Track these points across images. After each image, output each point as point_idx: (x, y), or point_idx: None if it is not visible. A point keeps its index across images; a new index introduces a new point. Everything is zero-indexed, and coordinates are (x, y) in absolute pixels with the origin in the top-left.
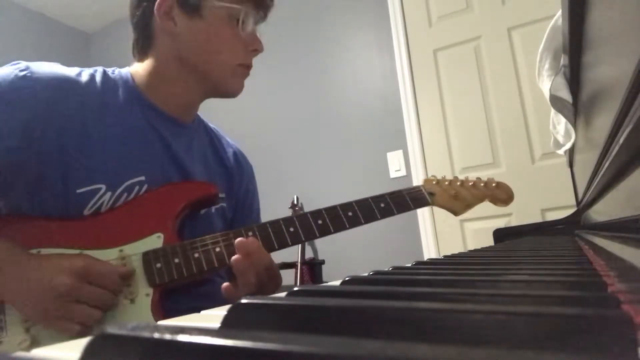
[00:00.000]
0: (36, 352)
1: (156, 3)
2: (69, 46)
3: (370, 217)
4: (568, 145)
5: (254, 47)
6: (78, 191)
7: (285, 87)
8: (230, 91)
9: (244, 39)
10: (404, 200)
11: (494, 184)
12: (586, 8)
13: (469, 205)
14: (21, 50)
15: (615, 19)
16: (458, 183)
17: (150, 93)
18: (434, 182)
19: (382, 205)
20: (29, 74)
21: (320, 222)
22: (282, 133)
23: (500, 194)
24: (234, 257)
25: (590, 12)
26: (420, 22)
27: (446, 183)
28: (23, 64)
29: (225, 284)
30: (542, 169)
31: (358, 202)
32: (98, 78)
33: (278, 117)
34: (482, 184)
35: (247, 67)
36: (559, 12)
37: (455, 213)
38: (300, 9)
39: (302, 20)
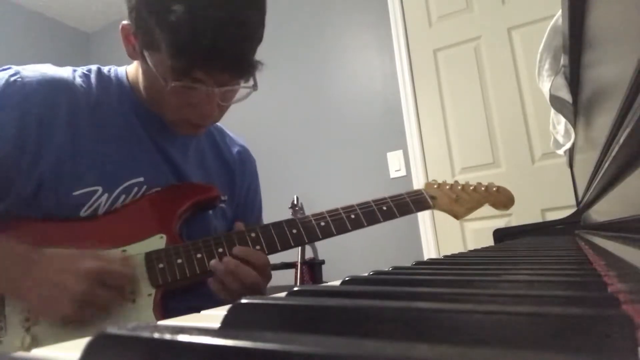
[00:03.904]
0: (36, 352)
1: (122, 22)
2: (69, 46)
3: (372, 220)
4: (568, 145)
5: (196, 115)
6: (74, 193)
7: (285, 87)
8: (179, 134)
9: (193, 101)
10: (406, 203)
11: (494, 188)
12: (586, 8)
13: (470, 209)
14: (21, 50)
15: (615, 19)
16: (459, 187)
17: (142, 95)
18: (435, 186)
19: (385, 208)
20: (19, 79)
21: (322, 224)
22: (282, 133)
23: (501, 198)
24: (211, 262)
25: (590, 12)
26: (420, 22)
27: (447, 187)
28: (13, 69)
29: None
30: (542, 169)
31: (360, 204)
32: (92, 77)
33: (278, 117)
34: (482, 188)
35: (195, 124)
36: (559, 12)
37: (457, 217)
38: (300, 9)
39: (302, 20)
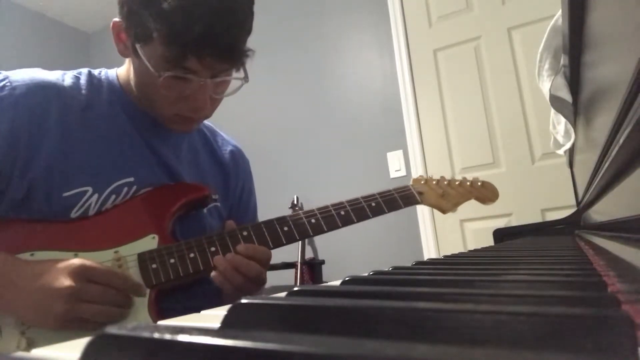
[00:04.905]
0: (36, 352)
1: (113, 20)
2: (69, 46)
3: (362, 216)
4: (568, 145)
5: (188, 108)
6: (64, 194)
7: (285, 87)
8: (173, 131)
9: (185, 93)
10: (394, 199)
11: (479, 183)
12: (586, 8)
13: (456, 204)
14: (22, 50)
15: (615, 19)
16: (445, 182)
17: (133, 95)
18: (422, 182)
19: (373, 204)
20: (7, 84)
21: (313, 221)
22: (282, 133)
23: (486, 192)
24: (215, 258)
25: (590, 12)
26: (420, 22)
27: (434, 182)
28: (2, 74)
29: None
30: (542, 169)
31: (350, 201)
32: (82, 80)
33: (278, 117)
34: (468, 183)
35: (188, 118)
36: (559, 12)
37: (443, 211)
38: (300, 9)
39: (302, 20)
